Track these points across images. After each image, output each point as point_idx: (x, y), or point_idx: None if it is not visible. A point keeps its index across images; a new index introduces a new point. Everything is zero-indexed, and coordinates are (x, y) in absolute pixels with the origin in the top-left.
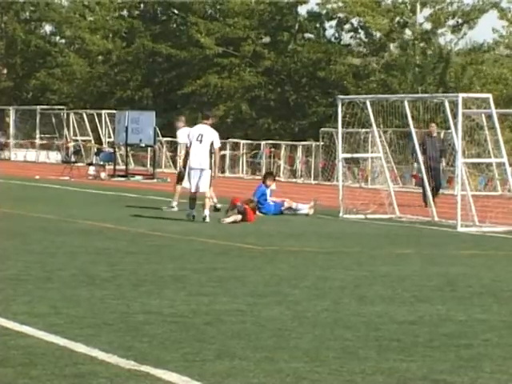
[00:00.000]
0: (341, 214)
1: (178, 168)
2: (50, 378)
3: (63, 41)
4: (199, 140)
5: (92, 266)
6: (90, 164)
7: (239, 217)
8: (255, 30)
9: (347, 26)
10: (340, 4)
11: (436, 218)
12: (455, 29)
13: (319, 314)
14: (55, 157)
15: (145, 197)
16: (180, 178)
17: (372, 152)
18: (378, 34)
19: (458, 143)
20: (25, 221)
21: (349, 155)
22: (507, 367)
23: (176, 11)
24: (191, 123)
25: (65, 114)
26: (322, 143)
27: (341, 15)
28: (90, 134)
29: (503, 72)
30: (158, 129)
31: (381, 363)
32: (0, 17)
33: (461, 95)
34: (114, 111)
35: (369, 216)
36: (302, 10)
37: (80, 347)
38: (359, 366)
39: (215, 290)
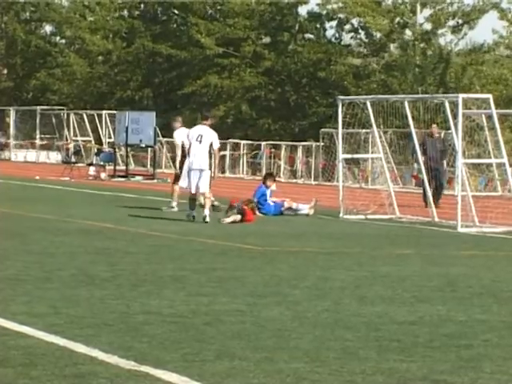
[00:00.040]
0: (341, 215)
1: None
2: (49, 378)
3: (63, 41)
4: (199, 141)
5: (91, 266)
6: (91, 164)
7: (238, 217)
8: (255, 31)
9: (347, 27)
10: (340, 4)
11: (436, 219)
12: (455, 29)
13: (319, 315)
14: (55, 157)
15: (145, 197)
16: (177, 178)
17: (372, 152)
18: (379, 35)
19: (458, 144)
20: (24, 221)
21: (349, 156)
22: (507, 368)
23: (176, 11)
24: (191, 124)
25: (65, 115)
26: (322, 144)
27: (341, 16)
28: (91, 134)
29: (503, 72)
30: (158, 129)
31: (381, 363)
32: (0, 17)
33: (461, 96)
34: (115, 111)
35: (369, 216)
36: (303, 10)
37: (80, 347)
38: (359, 367)
39: (215, 291)
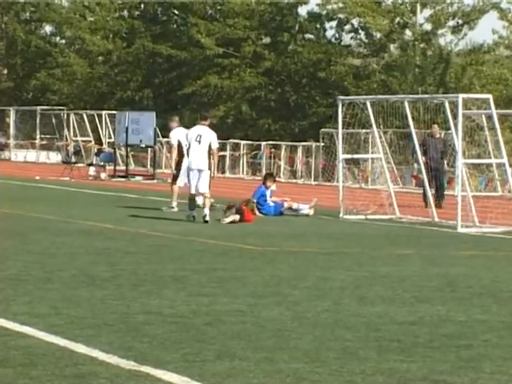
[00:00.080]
0: (341, 215)
1: (174, 169)
2: (50, 378)
3: (63, 41)
4: (198, 141)
5: (92, 266)
6: (91, 164)
7: (237, 217)
8: (255, 31)
9: (347, 27)
10: (340, 5)
11: (436, 219)
12: (455, 29)
13: (319, 315)
14: (55, 157)
15: (145, 197)
16: (175, 178)
17: (372, 153)
18: (379, 35)
19: (459, 144)
20: (25, 221)
21: (349, 156)
22: (507, 368)
23: (176, 12)
24: (192, 124)
25: (65, 115)
26: (322, 144)
27: (341, 16)
28: (91, 134)
29: (503, 72)
30: (158, 129)
31: (381, 364)
32: (0, 17)
33: (461, 96)
34: (115, 112)
35: (369, 217)
36: (303, 10)
37: (80, 348)
38: (359, 367)
39: (215, 291)
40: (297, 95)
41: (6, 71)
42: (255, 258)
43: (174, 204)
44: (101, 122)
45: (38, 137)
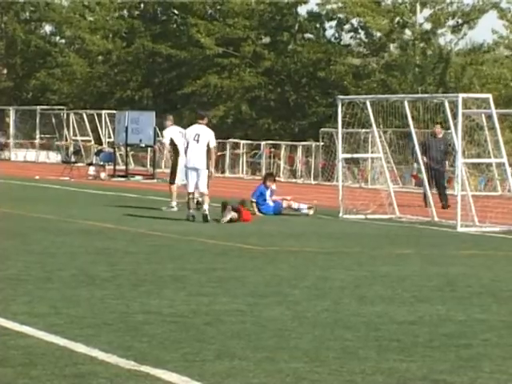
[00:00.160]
0: (341, 215)
1: (170, 168)
2: (49, 378)
3: (63, 41)
4: (196, 140)
5: (92, 266)
6: (90, 164)
7: (235, 214)
8: (255, 31)
9: (347, 27)
10: (340, 4)
11: (436, 218)
12: (455, 29)
13: (319, 315)
14: (55, 157)
15: (145, 197)
16: (173, 178)
17: (372, 152)
18: (378, 35)
19: (458, 143)
20: (25, 221)
21: (349, 155)
22: (506, 367)
23: (176, 11)
24: (191, 124)
25: (65, 114)
26: (321, 143)
27: (341, 15)
28: (90, 134)
29: (503, 72)
30: (157, 129)
31: (381, 363)
32: (0, 17)
33: (461, 95)
34: (114, 111)
35: (369, 216)
36: (302, 10)
37: (80, 347)
38: (359, 366)
39: (215, 291)
40: (296, 95)
41: (5, 71)
42: (255, 258)
43: (174, 204)
44: (100, 121)
45: (37, 136)
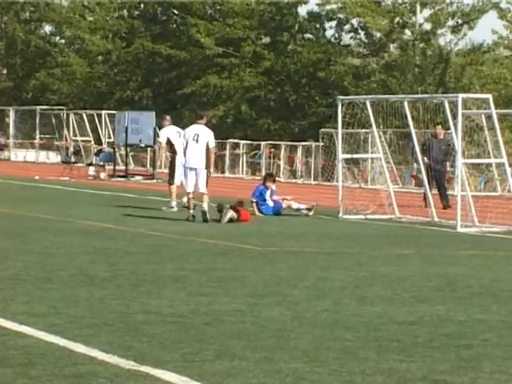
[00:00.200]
0: (340, 215)
1: (168, 168)
2: (49, 378)
3: (63, 41)
4: (195, 140)
5: (91, 266)
6: (90, 164)
7: (234, 214)
8: (255, 31)
9: (347, 27)
10: (340, 5)
11: (436, 219)
12: (455, 29)
13: (319, 315)
14: (55, 157)
15: (144, 197)
16: (172, 178)
17: (372, 152)
18: (378, 35)
19: (458, 144)
20: (24, 221)
21: (349, 156)
22: (507, 367)
23: (176, 11)
24: (191, 124)
25: (64, 115)
26: (321, 144)
27: (341, 16)
28: (90, 134)
29: (503, 72)
30: (157, 129)
31: (380, 363)
32: (0, 17)
33: (460, 96)
34: (114, 111)
35: (369, 216)
36: (302, 10)
37: (79, 347)
38: (359, 367)
39: (215, 291)
40: (296, 95)
41: (5, 71)
42: (255, 258)
43: (174, 204)
44: (100, 121)
45: (37, 136)
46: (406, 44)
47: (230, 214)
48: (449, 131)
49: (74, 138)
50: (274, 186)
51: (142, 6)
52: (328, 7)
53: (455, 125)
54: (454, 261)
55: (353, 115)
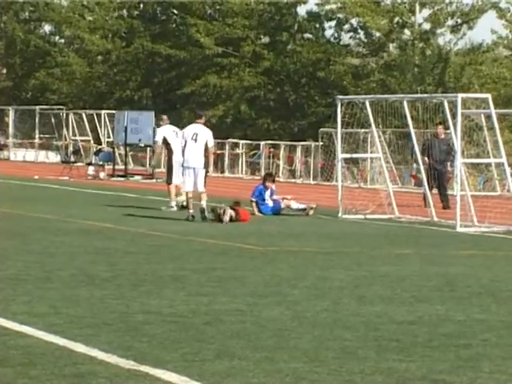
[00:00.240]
0: (340, 215)
1: (166, 167)
2: (49, 377)
3: (62, 41)
4: (194, 139)
5: (91, 265)
6: (90, 164)
7: (232, 212)
8: (254, 30)
9: (346, 27)
10: (339, 4)
11: (435, 218)
12: (454, 29)
13: (319, 314)
14: (54, 157)
15: (144, 197)
16: (170, 178)
17: (371, 152)
18: (378, 35)
19: (458, 143)
20: (24, 221)
21: (348, 155)
22: (506, 367)
23: (175, 11)
24: (190, 124)
25: (64, 114)
26: (321, 143)
27: (340, 15)
28: (90, 133)
29: (502, 72)
30: (156, 129)
31: (380, 363)
32: None
33: (460, 95)
34: (114, 111)
35: (368, 216)
36: (302, 10)
37: (79, 347)
38: (358, 366)
39: (215, 290)
40: (296, 95)
41: (5, 71)
42: (254, 258)
43: (173, 203)
44: (100, 121)
45: (36, 136)
46: (406, 44)
47: (229, 213)
48: (448, 131)
49: (73, 138)
50: (273, 186)
51: (141, 5)
52: (327, 7)
53: (454, 124)
54: (454, 260)
55: (352, 115)
